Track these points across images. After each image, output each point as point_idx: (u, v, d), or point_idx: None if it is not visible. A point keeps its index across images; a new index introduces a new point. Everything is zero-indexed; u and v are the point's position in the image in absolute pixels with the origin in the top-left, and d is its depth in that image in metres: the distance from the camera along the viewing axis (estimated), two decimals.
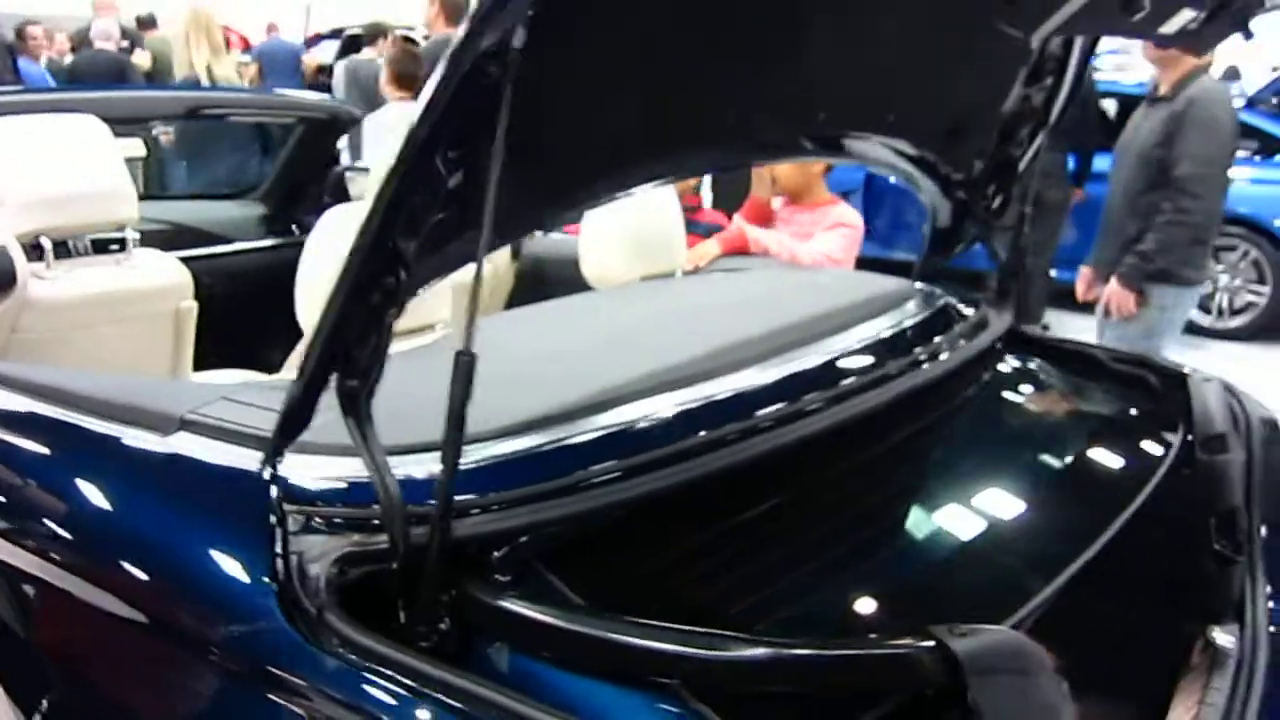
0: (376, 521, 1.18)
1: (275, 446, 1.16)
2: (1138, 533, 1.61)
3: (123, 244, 2.51)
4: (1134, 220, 3.82)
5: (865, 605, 1.32)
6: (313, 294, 2.17)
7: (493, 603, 1.11)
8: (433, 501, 1.07)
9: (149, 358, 2.61)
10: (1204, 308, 6.63)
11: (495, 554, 1.18)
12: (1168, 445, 1.82)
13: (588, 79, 1.20)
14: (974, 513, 1.54)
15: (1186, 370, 2.02)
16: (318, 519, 1.20)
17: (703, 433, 1.37)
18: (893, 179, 7.50)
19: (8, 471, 1.52)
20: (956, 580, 1.42)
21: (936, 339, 1.88)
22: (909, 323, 1.90)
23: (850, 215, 3.58)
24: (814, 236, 3.41)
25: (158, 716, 1.26)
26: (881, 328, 1.85)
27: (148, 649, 1.29)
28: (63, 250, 2.41)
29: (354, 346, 1.07)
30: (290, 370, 2.57)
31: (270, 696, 1.14)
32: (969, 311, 2.13)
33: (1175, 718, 1.51)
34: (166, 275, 2.60)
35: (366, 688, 1.07)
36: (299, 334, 3.12)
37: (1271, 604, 1.66)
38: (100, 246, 2.51)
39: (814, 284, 2.39)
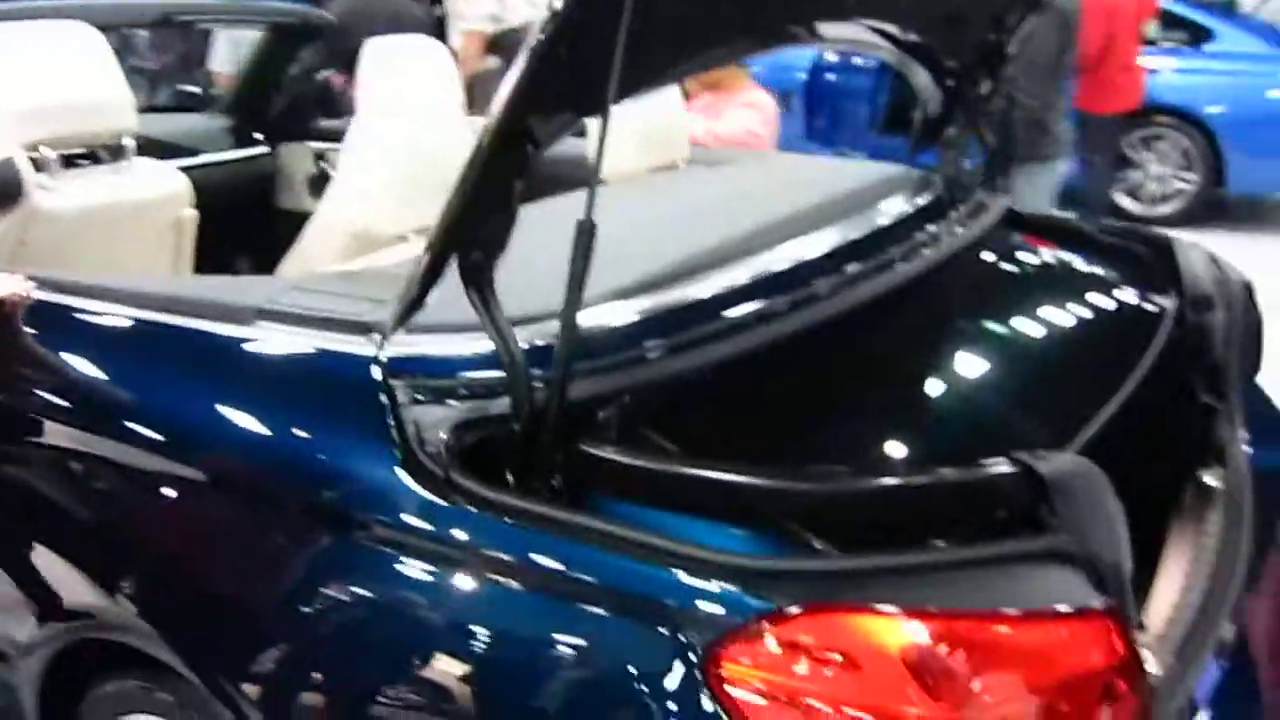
0: (490, 389, 1.26)
1: (399, 319, 1.24)
2: (1142, 387, 1.76)
3: (122, 152, 2.49)
4: None
5: (935, 444, 1.46)
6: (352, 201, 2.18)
7: (606, 455, 1.21)
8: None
9: (150, 267, 2.61)
10: (1134, 195, 6.86)
11: (601, 413, 1.28)
12: (1163, 307, 1.97)
13: None
14: (1009, 368, 1.69)
15: (1172, 237, 2.17)
16: (427, 392, 1.28)
17: (778, 297, 1.48)
18: (831, 77, 7.57)
19: (92, 373, 1.57)
20: (995, 424, 1.56)
21: (952, 216, 2.00)
22: (923, 201, 2.02)
23: (761, 97, 3.82)
24: (723, 114, 3.54)
25: (284, 593, 1.34)
26: (903, 205, 1.96)
27: (269, 535, 1.37)
28: (65, 160, 2.38)
29: (480, 220, 1.15)
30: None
31: (402, 556, 1.24)
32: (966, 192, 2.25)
33: (1175, 552, 1.68)
34: (167, 184, 2.59)
35: (499, 536, 1.17)
36: (276, 244, 3.14)
37: (1244, 448, 1.84)
38: (97, 156, 2.49)
39: (828, 169, 2.50)
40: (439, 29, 5.69)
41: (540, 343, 1.26)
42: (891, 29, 2.08)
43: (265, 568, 1.37)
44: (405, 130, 2.11)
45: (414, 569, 1.23)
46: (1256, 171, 6.58)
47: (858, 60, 7.55)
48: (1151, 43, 6.36)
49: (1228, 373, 1.96)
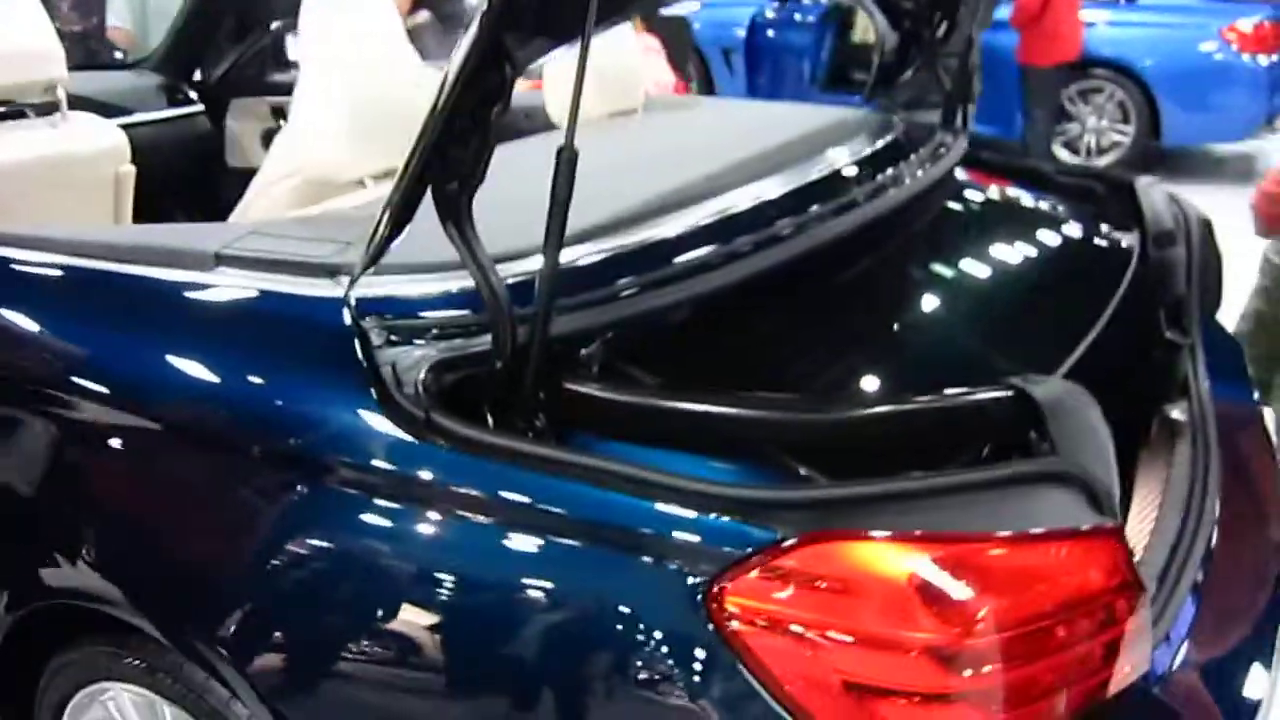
0: (465, 328, 1.22)
1: (371, 258, 1.19)
2: (1110, 322, 1.77)
3: (54, 106, 2.38)
4: None
5: (914, 376, 1.45)
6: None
7: (589, 391, 1.18)
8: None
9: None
10: (1072, 148, 6.96)
11: (581, 350, 1.24)
12: (1128, 244, 1.98)
13: None
14: (982, 305, 1.68)
15: (1131, 176, 2.18)
16: (400, 332, 1.24)
17: (753, 234, 1.45)
18: (771, 34, 7.54)
19: (39, 327, 1.50)
20: (971, 359, 1.55)
21: (914, 156, 1.98)
22: (887, 141, 2.00)
23: (655, 42, 4.18)
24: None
25: (256, 546, 1.29)
26: (868, 145, 1.94)
27: (237, 486, 1.31)
28: None
29: (455, 148, 1.10)
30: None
31: (381, 500, 1.20)
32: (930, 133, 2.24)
33: (1144, 484, 1.70)
34: (104, 139, 2.48)
35: (485, 476, 1.13)
36: (222, 203, 3.04)
37: (1207, 382, 1.86)
38: (26, 111, 2.38)
39: (789, 112, 2.47)
40: None
41: (514, 280, 1.22)
42: None
43: (235, 520, 1.32)
44: (356, 74, 2.04)
45: (395, 513, 1.19)
46: (1190, 123, 6.69)
47: (798, 16, 7.54)
48: None
49: (1190, 308, 1.98)
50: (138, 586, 1.37)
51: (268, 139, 3.09)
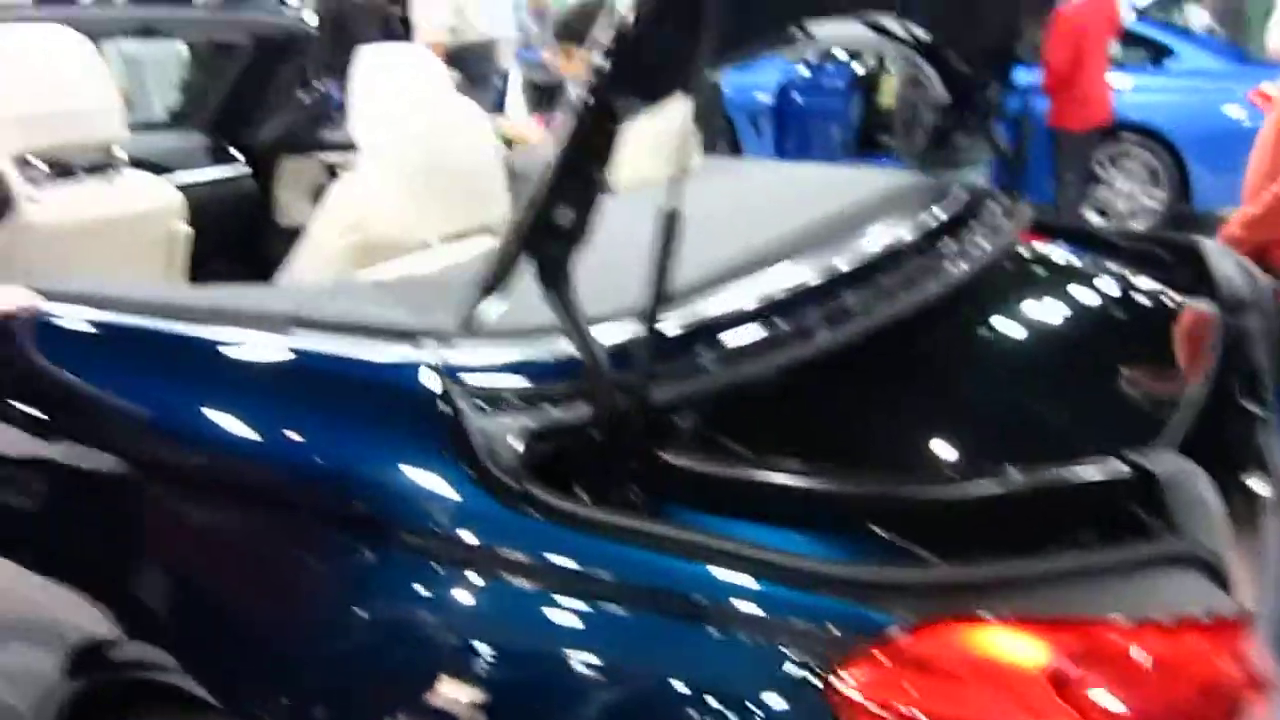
0: (557, 395, 1.19)
1: (465, 322, 1.16)
2: (1190, 392, 1.72)
3: (112, 163, 2.39)
4: None
5: (1008, 444, 1.40)
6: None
7: (689, 464, 1.15)
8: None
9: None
10: (1103, 212, 6.94)
11: (676, 419, 1.21)
12: (1206, 311, 1.94)
13: None
14: (1073, 373, 1.64)
15: (1196, 240, 2.15)
16: (490, 400, 1.21)
17: (844, 298, 1.43)
18: (800, 98, 7.60)
19: (111, 388, 1.47)
20: (1072, 428, 1.51)
21: (984, 219, 1.96)
22: (958, 205, 1.97)
23: None
24: None
25: (338, 618, 1.25)
26: (938, 209, 1.91)
27: (319, 549, 1.27)
28: (54, 171, 2.28)
29: (561, 211, 1.08)
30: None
31: (467, 568, 1.15)
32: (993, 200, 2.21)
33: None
34: (160, 197, 2.49)
35: (585, 552, 1.10)
36: (264, 263, 3.04)
37: None
38: (86, 167, 2.38)
39: (849, 175, 2.46)
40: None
41: (609, 345, 1.19)
42: (918, 29, 2.05)
43: (310, 588, 1.28)
44: (419, 134, 2.03)
45: (479, 586, 1.15)
46: (1220, 187, 6.67)
47: (827, 81, 7.60)
48: (1115, 62, 6.46)
49: (1265, 377, 1.94)
50: (209, 658, 1.33)
51: (318, 196, 3.09)
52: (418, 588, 1.18)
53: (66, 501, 1.50)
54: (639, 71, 1.08)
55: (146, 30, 3.03)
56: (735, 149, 7.96)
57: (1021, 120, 2.33)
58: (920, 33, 2.14)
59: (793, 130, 7.74)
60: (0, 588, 1.57)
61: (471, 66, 6.11)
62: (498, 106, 6.77)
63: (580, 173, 1.07)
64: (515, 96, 7.08)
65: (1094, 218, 6.89)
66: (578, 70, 3.59)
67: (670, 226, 1.06)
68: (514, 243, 1.09)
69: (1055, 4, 2.17)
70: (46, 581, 1.49)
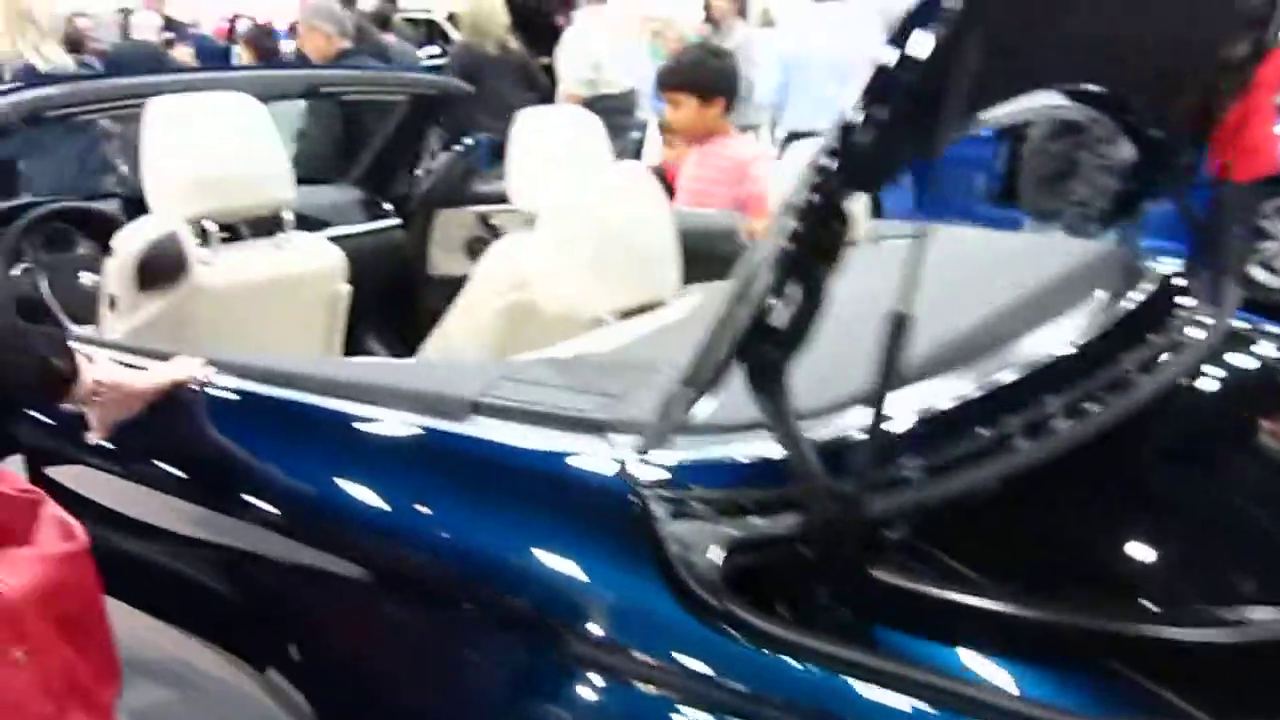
0: (764, 501, 1.11)
1: (666, 427, 1.09)
2: None
3: (279, 225, 2.43)
4: None
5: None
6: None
7: (910, 586, 1.05)
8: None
9: (302, 344, 2.53)
10: (1269, 267, 6.55)
11: (889, 533, 1.11)
12: None
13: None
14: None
15: None
16: (687, 504, 1.13)
17: (1079, 392, 1.30)
18: None
19: (282, 469, 1.44)
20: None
21: (1189, 299, 1.80)
22: (1159, 283, 1.82)
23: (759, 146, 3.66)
24: (752, 175, 3.20)
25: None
26: (1141, 292, 1.76)
27: (493, 652, 1.21)
28: (225, 234, 2.32)
29: (780, 311, 1.00)
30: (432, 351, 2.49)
31: (653, 686, 1.08)
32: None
33: None
34: (323, 258, 2.52)
35: (787, 679, 1.01)
36: (415, 316, 3.04)
37: None
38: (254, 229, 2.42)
39: (1028, 246, 2.32)
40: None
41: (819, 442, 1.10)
42: (1108, 92, 1.91)
43: (480, 689, 1.22)
44: (585, 201, 1.98)
45: (665, 706, 1.07)
46: None
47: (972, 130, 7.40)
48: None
49: None
50: None
51: (472, 248, 3.10)
52: (595, 700, 1.11)
53: (238, 584, 1.48)
54: (869, 171, 1.00)
55: (313, 91, 3.10)
56: (874, 197, 7.80)
57: (1218, 185, 2.14)
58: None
59: (936, 178, 7.54)
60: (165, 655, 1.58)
61: (609, 118, 6.14)
62: (635, 156, 6.77)
63: (805, 274, 0.99)
64: (652, 146, 7.08)
65: (1258, 273, 6.50)
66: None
67: (898, 332, 0.98)
68: (726, 343, 1.01)
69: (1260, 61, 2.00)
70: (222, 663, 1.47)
